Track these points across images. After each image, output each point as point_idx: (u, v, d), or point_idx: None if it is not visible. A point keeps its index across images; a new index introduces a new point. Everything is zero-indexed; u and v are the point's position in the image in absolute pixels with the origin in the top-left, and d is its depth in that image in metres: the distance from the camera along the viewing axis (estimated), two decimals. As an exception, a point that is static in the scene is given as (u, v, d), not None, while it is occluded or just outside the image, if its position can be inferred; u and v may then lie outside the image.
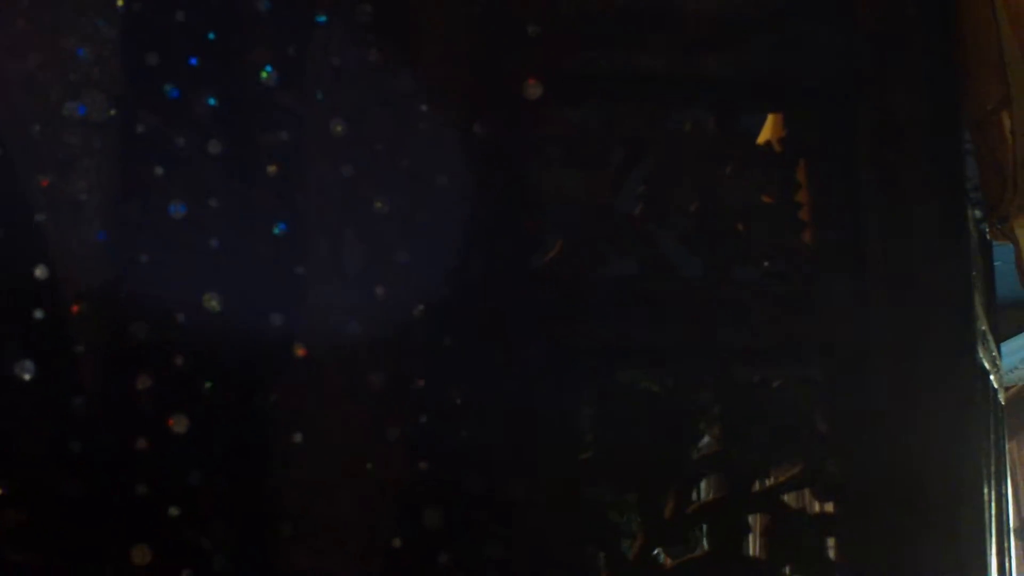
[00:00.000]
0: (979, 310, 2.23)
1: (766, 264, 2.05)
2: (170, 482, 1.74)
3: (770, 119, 2.28)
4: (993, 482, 2.23)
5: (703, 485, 2.15)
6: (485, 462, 1.86)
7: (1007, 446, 2.58)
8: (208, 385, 1.76)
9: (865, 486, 2.00)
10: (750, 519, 2.03)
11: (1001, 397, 2.60)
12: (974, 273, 2.22)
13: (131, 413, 1.74)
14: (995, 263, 2.75)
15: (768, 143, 2.06)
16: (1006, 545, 2.45)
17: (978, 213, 2.46)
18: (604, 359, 1.98)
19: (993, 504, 2.20)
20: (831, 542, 2.03)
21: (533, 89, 1.87)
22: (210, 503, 1.76)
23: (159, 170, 1.77)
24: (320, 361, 1.81)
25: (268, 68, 1.82)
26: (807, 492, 2.08)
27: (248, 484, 1.78)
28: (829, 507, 2.05)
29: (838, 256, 2.05)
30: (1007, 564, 2.46)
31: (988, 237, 2.57)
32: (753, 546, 2.13)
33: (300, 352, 1.79)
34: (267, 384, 1.79)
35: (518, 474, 1.87)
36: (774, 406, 2.02)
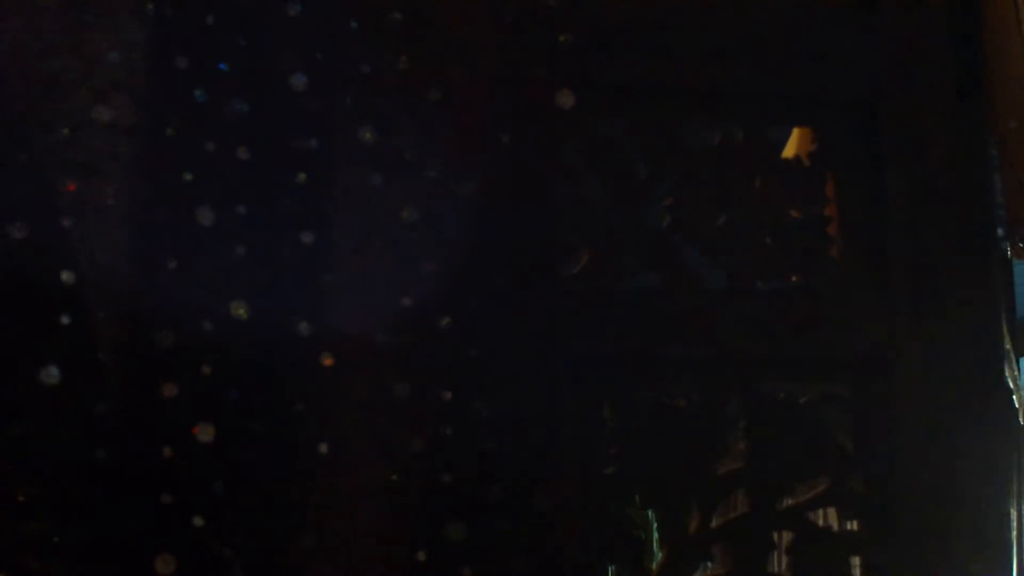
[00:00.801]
0: (1003, 328, 2.22)
1: (793, 278, 2.03)
2: (194, 491, 1.72)
3: (795, 133, 2.27)
4: (1017, 501, 2.22)
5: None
6: (509, 474, 1.84)
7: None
8: (234, 394, 1.74)
9: (890, 504, 1.98)
10: (775, 536, 2.01)
11: (1022, 416, 2.58)
12: (998, 291, 2.20)
13: (156, 421, 1.72)
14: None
15: (797, 157, 2.05)
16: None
17: (1000, 230, 2.44)
18: (629, 371, 1.96)
19: (1018, 524, 2.18)
20: (856, 560, 2.01)
21: (565, 99, 1.86)
22: (234, 513, 1.74)
23: (187, 176, 1.75)
24: (346, 371, 1.79)
25: (299, 74, 1.80)
26: (832, 510, 2.06)
27: (272, 494, 1.76)
28: (854, 525, 2.02)
29: (865, 271, 2.03)
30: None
31: (1009, 255, 2.55)
32: (777, 564, 2.11)
33: (327, 362, 1.77)
34: (293, 393, 1.77)
35: (542, 487, 1.85)
36: (800, 422, 2.00)
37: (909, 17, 2.08)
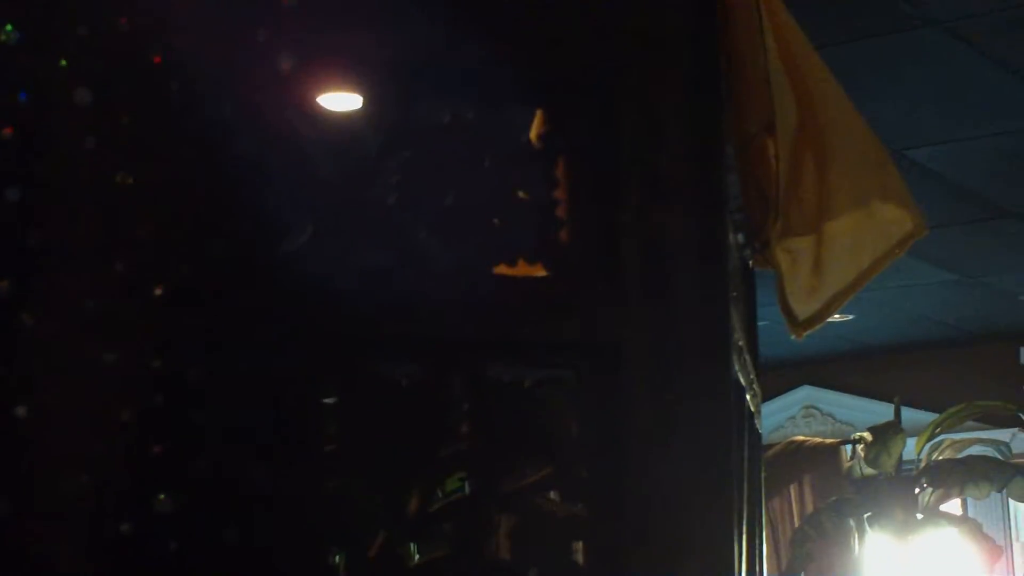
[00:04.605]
0: (736, 325, 2.23)
1: (522, 261, 2.01)
2: None
3: (539, 115, 2.26)
4: (746, 492, 2.23)
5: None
6: (223, 448, 1.79)
7: (769, 502, 2.58)
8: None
9: (616, 490, 1.97)
10: (497, 520, 1.99)
11: (758, 422, 2.60)
12: (733, 293, 2.21)
13: None
14: (760, 323, 2.75)
15: (527, 138, 2.04)
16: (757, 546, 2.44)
17: (741, 237, 2.46)
18: (353, 349, 1.92)
19: (746, 509, 2.19)
20: (579, 546, 1.99)
21: (286, 65, 1.83)
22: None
23: None
24: (51, 334, 1.73)
25: (12, 28, 1.75)
26: (557, 494, 2.05)
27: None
28: (579, 510, 2.00)
29: (596, 257, 2.02)
30: (757, 565, 2.45)
31: (750, 264, 2.57)
32: (499, 547, 2.09)
33: (28, 321, 1.71)
34: (-8, 354, 1.71)
35: (257, 463, 1.81)
36: (525, 405, 1.98)
37: (647, 5, 2.08)
